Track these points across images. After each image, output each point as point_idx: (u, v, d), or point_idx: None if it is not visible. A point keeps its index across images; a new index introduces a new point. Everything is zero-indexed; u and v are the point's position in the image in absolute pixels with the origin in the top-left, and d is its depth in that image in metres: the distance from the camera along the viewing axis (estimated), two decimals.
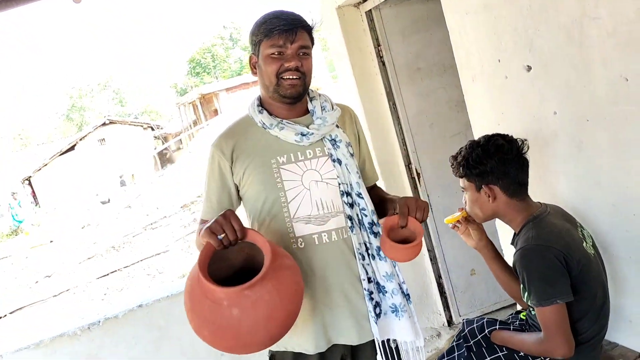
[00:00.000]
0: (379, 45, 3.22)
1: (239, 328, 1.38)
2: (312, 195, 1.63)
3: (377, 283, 1.67)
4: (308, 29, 1.63)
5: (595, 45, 1.70)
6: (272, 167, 1.63)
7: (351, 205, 1.66)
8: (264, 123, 1.66)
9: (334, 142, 1.67)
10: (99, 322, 2.77)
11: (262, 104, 1.71)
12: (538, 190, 2.16)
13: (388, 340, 1.69)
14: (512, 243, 1.93)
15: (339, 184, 1.66)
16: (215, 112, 23.93)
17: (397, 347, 1.71)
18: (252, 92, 23.23)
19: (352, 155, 1.69)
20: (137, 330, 2.83)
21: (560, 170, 2.03)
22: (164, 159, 26.92)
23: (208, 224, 1.46)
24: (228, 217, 1.45)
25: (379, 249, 1.67)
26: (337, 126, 1.70)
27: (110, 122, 27.57)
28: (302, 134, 1.63)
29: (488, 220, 1.94)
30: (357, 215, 1.67)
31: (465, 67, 2.37)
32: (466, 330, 2.12)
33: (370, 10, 3.15)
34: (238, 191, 1.71)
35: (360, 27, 3.23)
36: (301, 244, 1.63)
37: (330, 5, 3.21)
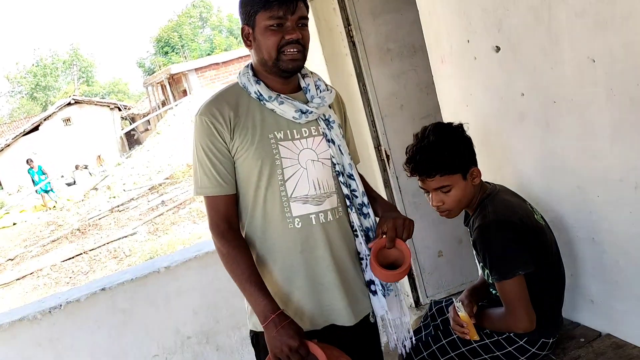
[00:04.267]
0: (349, 25, 3.17)
1: None
2: (309, 175, 1.60)
3: (367, 261, 1.68)
4: None
5: (564, 26, 1.70)
6: (271, 142, 1.57)
7: (345, 186, 1.65)
8: (261, 94, 1.58)
9: (327, 122, 1.64)
10: (61, 305, 2.70)
11: (256, 74, 1.63)
12: (504, 172, 2.17)
13: (368, 315, 1.71)
14: (466, 223, 1.95)
15: (334, 164, 1.64)
16: (185, 92, 23.50)
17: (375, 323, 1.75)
18: (222, 73, 22.90)
19: (343, 136, 1.68)
20: (101, 314, 2.77)
21: (526, 152, 2.04)
22: (131, 140, 26.41)
23: (273, 341, 1.48)
24: (295, 349, 1.46)
25: (367, 229, 1.68)
26: (329, 107, 1.68)
27: (76, 102, 26.79)
28: (302, 112, 1.58)
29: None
30: (350, 195, 1.66)
31: (434, 48, 2.35)
32: (434, 309, 2.14)
33: None
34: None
35: (330, 5, 3.18)
36: (298, 224, 1.59)
37: None
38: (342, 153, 1.65)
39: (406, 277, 3.44)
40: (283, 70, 1.56)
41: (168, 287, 2.88)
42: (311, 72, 1.69)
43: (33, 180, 18.19)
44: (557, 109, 1.84)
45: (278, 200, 1.58)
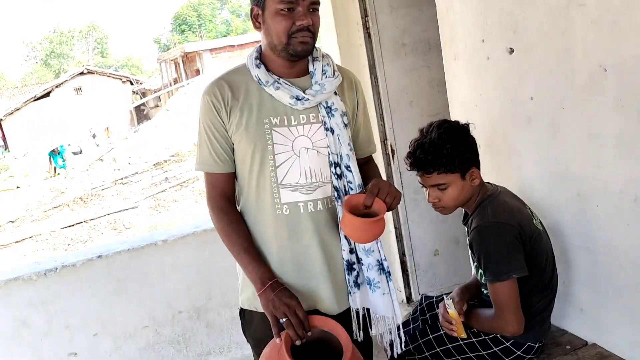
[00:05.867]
0: (366, 16, 3.16)
1: None
2: (301, 163, 1.58)
3: (357, 255, 1.66)
4: None
5: (579, 32, 1.69)
6: (265, 127, 1.56)
7: (339, 177, 1.62)
8: (259, 78, 1.58)
9: (329, 109, 1.61)
10: (56, 269, 2.73)
11: (261, 56, 1.63)
12: (506, 174, 2.17)
13: (368, 310, 1.69)
14: (464, 222, 1.96)
15: (329, 154, 1.61)
16: (197, 72, 23.51)
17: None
18: (236, 55, 22.87)
19: (346, 125, 1.63)
20: (95, 280, 2.80)
21: (531, 156, 2.04)
22: (140, 115, 26.46)
23: (272, 303, 1.49)
24: (294, 308, 1.48)
25: None
26: (335, 93, 1.63)
27: (89, 72, 26.88)
28: (297, 98, 1.56)
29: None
30: (344, 186, 1.64)
31: (448, 45, 2.34)
32: (424, 304, 2.16)
33: None
34: None
35: None
36: (286, 211, 1.59)
37: None
38: (340, 143, 1.62)
39: (400, 272, 3.46)
40: (292, 55, 1.54)
41: (164, 261, 2.90)
42: (323, 56, 1.66)
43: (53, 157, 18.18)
44: (565, 115, 1.84)
45: (268, 186, 1.58)
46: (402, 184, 3.36)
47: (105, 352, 2.82)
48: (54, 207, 11.44)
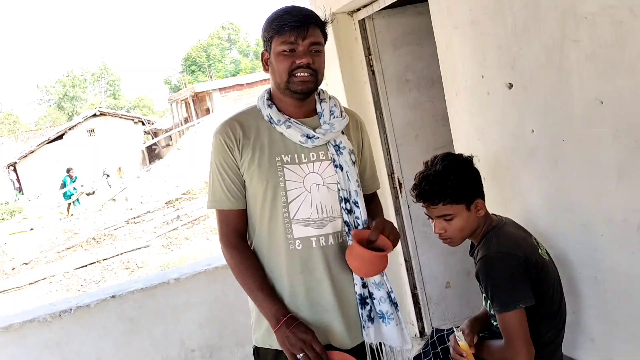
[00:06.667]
0: (369, 54, 3.25)
1: None
2: (312, 199, 1.64)
3: (369, 289, 1.70)
4: (320, 25, 1.62)
5: (574, 67, 1.75)
6: (277, 164, 1.63)
7: (349, 212, 1.68)
8: (271, 117, 1.65)
9: (337, 148, 1.68)
10: (71, 309, 2.76)
11: (271, 98, 1.71)
12: (511, 206, 2.20)
13: (380, 343, 1.73)
14: (471, 254, 1.98)
15: (339, 190, 1.67)
16: (207, 111, 23.84)
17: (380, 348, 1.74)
18: (245, 94, 23.21)
19: (353, 163, 1.70)
20: (109, 320, 2.82)
21: (534, 188, 2.07)
22: (152, 154, 26.74)
23: (288, 339, 1.54)
24: (310, 343, 1.53)
25: None
26: (342, 132, 1.70)
27: (101, 114, 27.37)
28: (308, 137, 1.63)
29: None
30: (353, 222, 1.69)
31: (450, 81, 2.41)
32: (435, 337, 2.16)
33: (364, 19, 3.19)
34: None
35: (352, 35, 3.27)
36: (299, 245, 1.64)
37: (324, 12, 3.24)
38: (349, 179, 1.68)
39: (412, 305, 3.45)
40: (294, 92, 1.61)
41: (176, 299, 2.92)
42: (330, 97, 1.74)
43: (64, 185, 18.29)
44: (565, 147, 1.87)
45: (281, 221, 1.63)
46: (410, 216, 3.39)
47: None
48: (67, 248, 11.51)
